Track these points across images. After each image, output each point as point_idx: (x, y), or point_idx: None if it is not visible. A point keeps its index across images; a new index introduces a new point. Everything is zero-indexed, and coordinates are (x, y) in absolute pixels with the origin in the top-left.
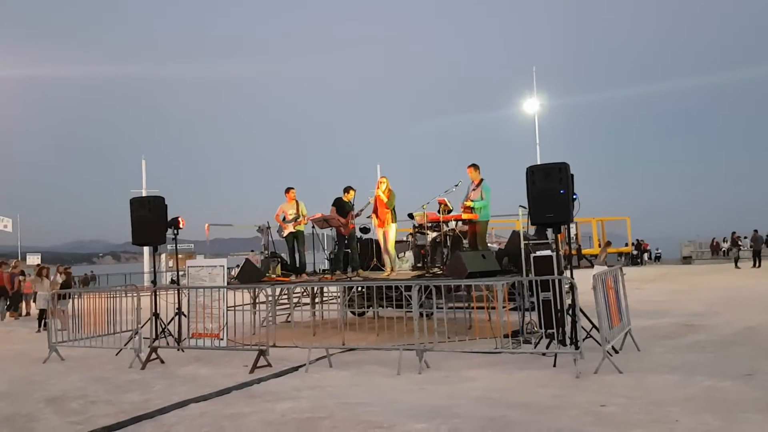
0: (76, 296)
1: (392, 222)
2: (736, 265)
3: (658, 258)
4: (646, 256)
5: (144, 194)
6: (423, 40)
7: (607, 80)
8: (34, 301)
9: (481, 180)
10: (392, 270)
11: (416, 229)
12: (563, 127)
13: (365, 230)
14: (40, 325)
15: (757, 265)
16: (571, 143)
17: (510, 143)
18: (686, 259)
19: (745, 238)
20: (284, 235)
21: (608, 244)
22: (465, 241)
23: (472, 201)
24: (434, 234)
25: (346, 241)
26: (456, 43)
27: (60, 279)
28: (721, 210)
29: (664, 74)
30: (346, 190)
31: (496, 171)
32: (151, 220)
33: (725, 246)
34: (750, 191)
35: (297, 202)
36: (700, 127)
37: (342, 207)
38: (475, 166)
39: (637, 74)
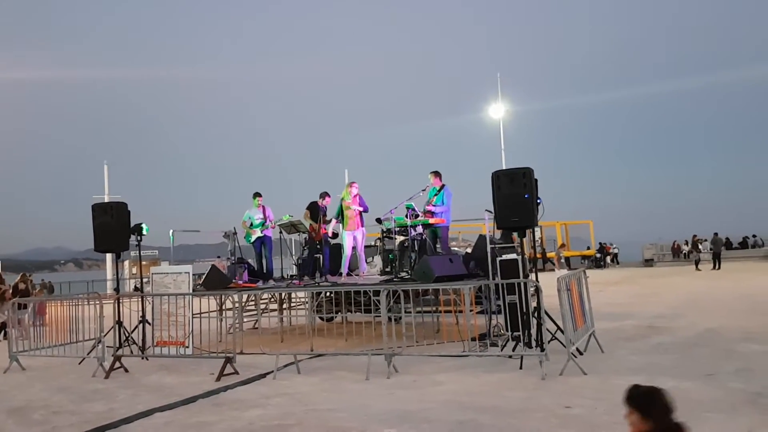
0: (37, 304)
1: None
2: (696, 267)
3: (615, 257)
4: (608, 258)
5: (106, 200)
6: (390, 43)
7: (589, 84)
8: None
9: (443, 186)
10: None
11: (384, 234)
12: (535, 132)
13: (335, 235)
14: None
15: (717, 267)
16: (544, 148)
17: (477, 148)
18: (648, 262)
19: (705, 240)
20: (252, 240)
21: (562, 246)
22: (437, 246)
23: (433, 206)
24: (402, 238)
25: (318, 246)
26: (427, 45)
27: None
28: (681, 213)
29: (644, 78)
30: (323, 195)
31: (462, 176)
32: (113, 227)
33: (686, 249)
34: (712, 196)
35: (264, 207)
36: (665, 131)
37: (316, 212)
38: (436, 173)
39: (620, 79)
